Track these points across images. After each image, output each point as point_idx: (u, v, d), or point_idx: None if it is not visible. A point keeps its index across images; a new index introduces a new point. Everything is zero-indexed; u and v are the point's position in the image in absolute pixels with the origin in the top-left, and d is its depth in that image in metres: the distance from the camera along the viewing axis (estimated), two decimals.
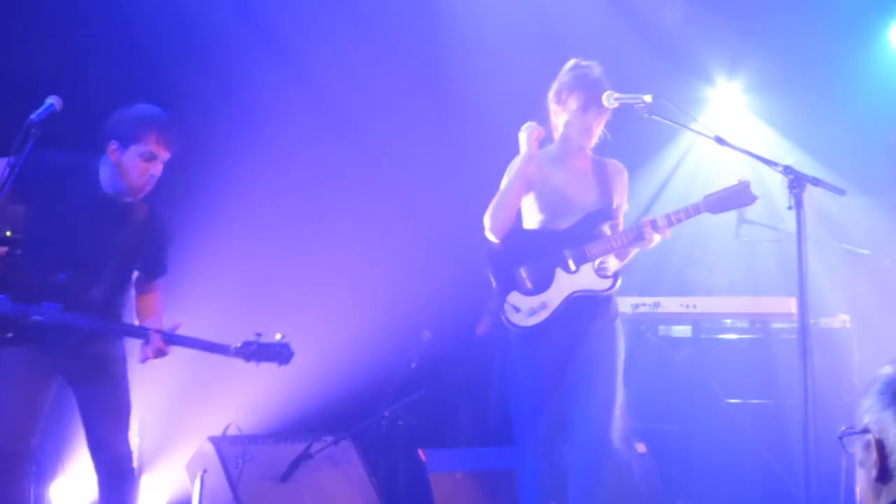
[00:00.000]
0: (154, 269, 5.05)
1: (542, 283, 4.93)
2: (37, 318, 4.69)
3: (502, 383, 5.14)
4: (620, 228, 5.04)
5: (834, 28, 7.44)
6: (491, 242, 5.03)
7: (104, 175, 4.80)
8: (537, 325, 4.90)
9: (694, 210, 4.89)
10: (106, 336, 4.88)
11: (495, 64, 7.08)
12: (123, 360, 4.95)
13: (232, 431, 5.79)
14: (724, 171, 6.16)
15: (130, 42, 6.41)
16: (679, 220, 4.88)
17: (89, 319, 4.75)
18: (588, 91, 4.89)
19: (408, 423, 6.15)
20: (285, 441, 5.99)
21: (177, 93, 6.07)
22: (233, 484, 5.65)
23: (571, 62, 5.04)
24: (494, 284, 4.96)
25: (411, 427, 6.16)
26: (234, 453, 5.75)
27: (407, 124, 7.03)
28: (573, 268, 4.91)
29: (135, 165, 4.77)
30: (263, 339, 4.87)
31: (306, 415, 6.34)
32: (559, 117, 4.99)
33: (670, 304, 6.41)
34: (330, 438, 5.94)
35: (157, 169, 4.81)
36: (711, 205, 4.90)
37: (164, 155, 4.81)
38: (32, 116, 4.54)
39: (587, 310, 4.91)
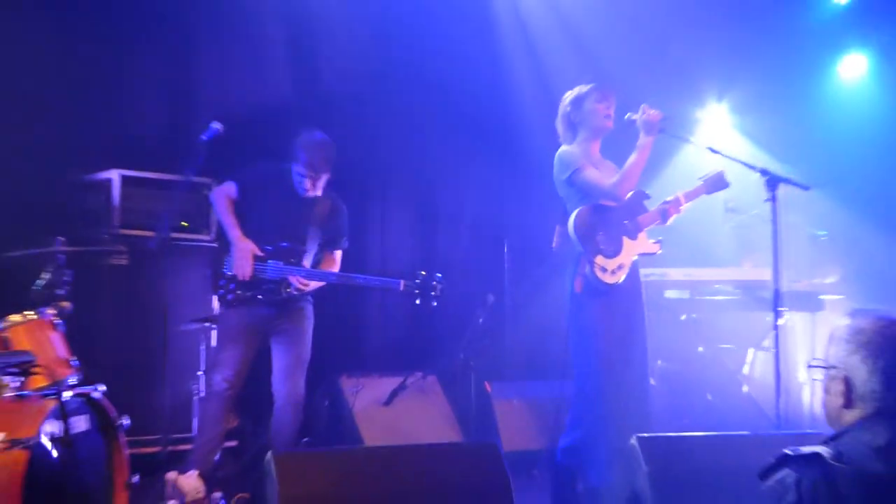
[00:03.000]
0: (334, 242, 5.19)
1: (616, 249, 4.77)
2: (262, 275, 4.95)
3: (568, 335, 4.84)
4: None
5: (800, 62, 7.46)
6: (577, 213, 4.76)
7: None
8: (617, 285, 4.73)
9: (699, 191, 4.90)
10: (304, 295, 5.05)
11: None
12: (311, 318, 5.12)
13: None
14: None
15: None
16: (689, 200, 4.88)
17: (302, 270, 4.96)
18: (601, 89, 4.86)
19: (477, 362, 6.14)
20: (388, 375, 6.07)
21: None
22: (349, 407, 5.81)
23: (568, 94, 4.95)
24: (581, 248, 4.71)
25: (479, 365, 6.15)
26: (350, 385, 5.92)
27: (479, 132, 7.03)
28: (634, 236, 4.84)
29: (295, 177, 5.02)
30: (426, 278, 4.93)
31: (402, 355, 6.39)
32: (584, 117, 4.86)
33: (674, 273, 6.45)
34: (420, 374, 6.09)
35: (309, 184, 5.00)
36: (710, 186, 4.91)
37: (309, 174, 4.99)
38: (202, 137, 4.77)
39: (637, 273, 4.89)
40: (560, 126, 4.99)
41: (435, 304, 4.96)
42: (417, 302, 4.96)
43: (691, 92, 7.69)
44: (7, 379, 3.62)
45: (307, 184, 5.02)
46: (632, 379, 4.77)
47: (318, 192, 5.09)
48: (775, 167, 4.57)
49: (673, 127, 4.80)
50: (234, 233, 4.96)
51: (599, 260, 4.70)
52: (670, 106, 5.37)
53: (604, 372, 4.68)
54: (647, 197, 4.93)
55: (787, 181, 4.45)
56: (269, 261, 4.97)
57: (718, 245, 6.93)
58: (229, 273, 4.98)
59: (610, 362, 4.68)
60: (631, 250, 4.81)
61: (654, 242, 4.91)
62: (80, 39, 5.80)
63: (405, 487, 3.30)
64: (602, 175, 4.80)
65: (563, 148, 4.92)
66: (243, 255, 4.92)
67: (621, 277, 4.74)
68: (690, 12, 7.33)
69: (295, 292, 5.01)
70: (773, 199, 4.41)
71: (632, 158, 4.74)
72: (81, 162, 5.94)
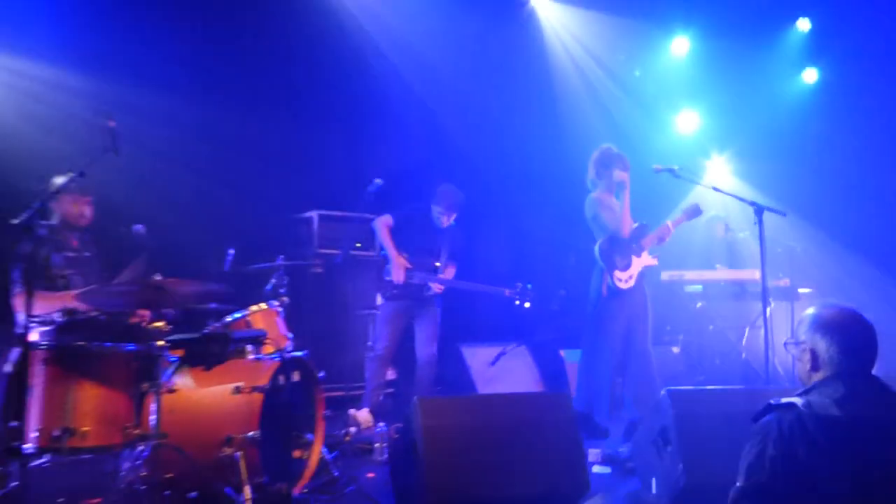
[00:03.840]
0: (454, 258, 5.20)
1: (627, 264, 4.79)
2: (410, 280, 5.02)
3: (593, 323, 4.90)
4: None
5: (781, 125, 7.17)
6: (600, 243, 4.79)
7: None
8: (629, 288, 4.77)
9: (682, 219, 4.91)
10: (437, 294, 5.08)
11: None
12: (440, 308, 5.15)
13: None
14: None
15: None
16: (675, 225, 4.89)
17: (437, 278, 5.05)
18: (622, 161, 4.85)
19: (554, 336, 6.07)
20: (494, 345, 5.84)
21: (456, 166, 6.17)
22: (467, 367, 5.74)
23: (597, 154, 4.90)
24: (603, 266, 4.77)
25: (555, 339, 6.07)
26: (468, 352, 5.80)
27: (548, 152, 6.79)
28: (639, 254, 4.83)
29: (433, 214, 5.07)
30: (522, 287, 4.99)
31: (503, 331, 6.25)
32: (617, 176, 4.82)
33: (690, 274, 6.26)
34: (515, 344, 5.96)
35: (445, 220, 5.08)
36: (688, 215, 4.91)
37: (447, 214, 5.06)
38: (369, 188, 4.86)
39: (643, 279, 4.86)
40: (590, 175, 4.96)
41: (528, 305, 5.01)
42: (517, 303, 5.00)
43: (700, 147, 7.48)
44: (249, 347, 3.71)
45: (443, 220, 5.08)
46: (637, 349, 4.78)
47: (448, 225, 5.15)
48: (761, 199, 4.41)
49: (687, 173, 4.66)
50: (392, 251, 5.02)
51: (617, 273, 4.73)
52: (685, 158, 5.30)
53: (617, 346, 4.74)
54: (647, 226, 4.91)
55: (770, 210, 4.30)
56: (415, 271, 5.05)
57: (720, 254, 6.67)
58: (388, 278, 5.06)
59: (621, 339, 4.75)
60: (638, 264, 4.82)
61: (653, 257, 4.90)
62: (293, 127, 5.96)
63: (505, 422, 3.30)
64: (611, 217, 4.81)
65: (589, 195, 4.91)
66: (398, 267, 5.00)
67: (632, 284, 4.77)
68: (692, 89, 7.20)
69: (432, 293, 5.08)
70: (760, 222, 4.25)
71: (621, 206, 4.81)
72: (294, 206, 6.13)
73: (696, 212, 4.92)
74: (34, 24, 4.77)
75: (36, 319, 3.28)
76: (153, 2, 5.11)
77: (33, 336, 3.28)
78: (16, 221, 3.02)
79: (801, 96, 7.32)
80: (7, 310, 3.66)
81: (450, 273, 5.21)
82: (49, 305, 3.50)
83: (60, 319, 3.35)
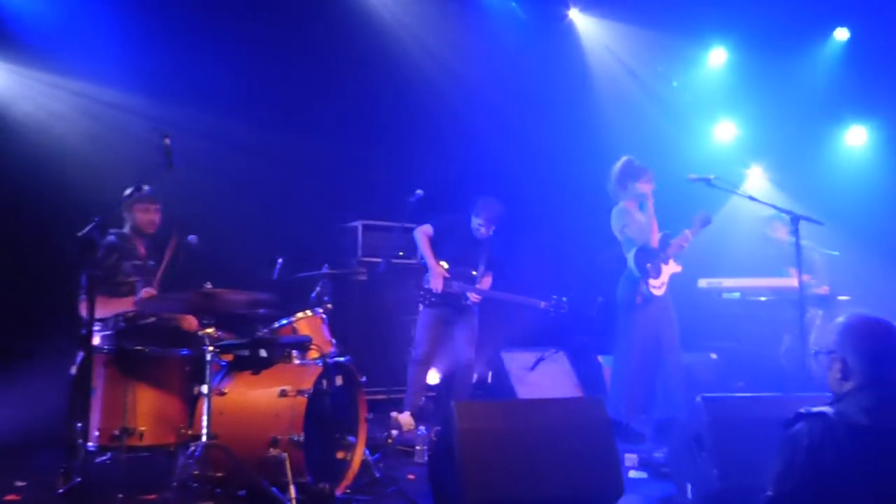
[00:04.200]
0: (490, 267, 5.20)
1: (658, 272, 4.79)
2: (448, 289, 5.02)
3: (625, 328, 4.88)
4: None
5: (814, 134, 7.03)
6: (633, 253, 4.78)
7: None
8: (662, 295, 4.79)
9: (697, 228, 4.86)
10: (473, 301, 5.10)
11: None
12: (478, 315, 5.15)
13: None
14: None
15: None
16: (693, 234, 4.86)
17: (475, 288, 5.04)
18: (648, 174, 4.84)
19: (589, 343, 6.02)
20: (533, 350, 5.90)
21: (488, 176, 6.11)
22: (507, 371, 5.74)
23: (634, 166, 4.85)
24: (639, 275, 4.75)
25: (593, 344, 6.00)
26: (507, 357, 5.84)
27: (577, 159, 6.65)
28: (666, 262, 4.84)
29: (473, 225, 5.06)
30: (557, 300, 5.03)
31: (542, 336, 6.16)
32: (640, 188, 4.80)
33: (728, 282, 6.08)
34: (554, 350, 5.94)
35: (485, 230, 5.07)
36: (701, 223, 4.86)
37: (487, 225, 5.06)
38: (411, 199, 4.90)
39: (671, 284, 4.85)
40: (611, 187, 4.92)
41: (563, 312, 5.04)
42: (551, 312, 5.04)
43: (738, 157, 7.30)
44: (295, 353, 3.76)
45: (482, 231, 5.07)
46: (668, 353, 4.77)
47: (486, 235, 5.13)
48: (798, 208, 4.30)
49: (722, 183, 4.52)
50: (431, 260, 5.04)
51: (651, 281, 4.76)
52: (724, 168, 5.21)
53: (649, 351, 4.75)
54: (670, 235, 4.91)
55: (806, 219, 4.18)
56: (453, 280, 5.05)
57: (759, 261, 6.48)
58: (427, 286, 5.08)
59: (653, 344, 4.76)
60: (667, 272, 4.86)
61: (678, 264, 4.94)
62: (338, 142, 6.03)
63: (540, 426, 3.26)
64: (638, 228, 4.81)
65: (617, 206, 4.89)
66: (436, 276, 5.01)
67: (663, 290, 4.81)
68: (729, 100, 7.09)
69: (470, 302, 5.07)
70: (797, 231, 4.13)
71: (647, 217, 4.81)
72: (339, 217, 6.18)
73: (706, 220, 4.89)
74: (98, 50, 4.99)
75: (98, 324, 3.39)
76: (204, 28, 5.27)
77: (95, 340, 3.40)
78: (80, 234, 3.14)
79: (837, 103, 7.08)
80: (75, 315, 3.80)
81: (486, 282, 5.21)
82: (110, 310, 3.61)
83: (121, 325, 3.46)
